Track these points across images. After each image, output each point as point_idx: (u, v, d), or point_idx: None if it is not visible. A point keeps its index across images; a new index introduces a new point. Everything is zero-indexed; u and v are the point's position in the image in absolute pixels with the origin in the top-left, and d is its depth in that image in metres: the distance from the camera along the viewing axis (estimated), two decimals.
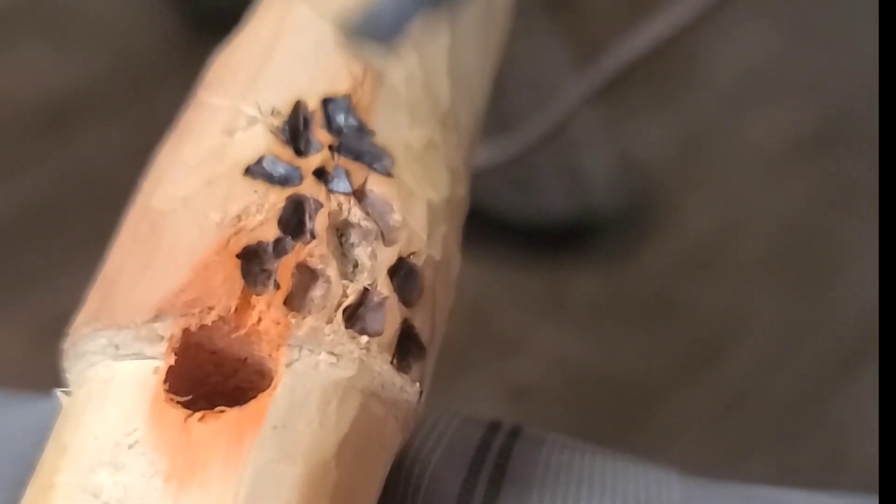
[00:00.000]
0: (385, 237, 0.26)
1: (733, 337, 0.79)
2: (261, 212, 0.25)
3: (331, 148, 0.27)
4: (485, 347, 0.77)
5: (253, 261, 0.25)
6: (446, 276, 0.27)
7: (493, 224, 0.80)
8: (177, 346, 0.24)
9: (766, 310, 0.81)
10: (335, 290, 0.25)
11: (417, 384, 0.25)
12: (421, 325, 0.26)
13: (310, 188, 0.26)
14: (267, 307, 0.24)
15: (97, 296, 0.26)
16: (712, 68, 0.94)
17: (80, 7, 0.91)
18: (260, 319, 0.24)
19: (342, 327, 0.24)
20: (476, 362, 0.75)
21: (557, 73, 0.86)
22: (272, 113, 0.27)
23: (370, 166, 0.27)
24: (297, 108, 0.28)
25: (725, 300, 0.81)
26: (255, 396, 0.23)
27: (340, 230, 0.26)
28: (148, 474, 0.22)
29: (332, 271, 0.25)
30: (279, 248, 0.25)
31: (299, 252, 0.25)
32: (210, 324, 0.24)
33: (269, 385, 0.24)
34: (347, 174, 0.26)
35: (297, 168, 0.26)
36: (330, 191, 0.26)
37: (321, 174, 0.26)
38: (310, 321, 0.24)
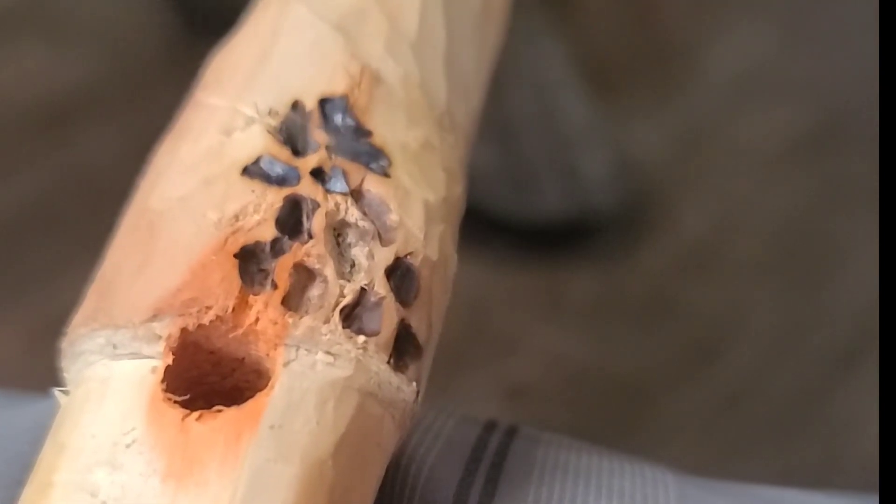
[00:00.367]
0: (382, 237, 0.26)
1: (730, 336, 0.79)
2: (258, 212, 0.25)
3: (328, 148, 0.27)
4: (482, 347, 0.77)
5: (250, 260, 0.25)
6: (443, 275, 0.27)
7: (490, 224, 0.80)
8: (174, 345, 0.24)
9: (764, 309, 0.81)
10: (332, 289, 0.25)
11: (414, 384, 0.25)
12: (418, 324, 0.26)
13: (307, 188, 0.26)
14: (264, 307, 0.24)
15: (95, 295, 0.26)
16: (710, 68, 0.94)
17: (78, 7, 0.91)
18: (257, 319, 0.24)
19: (339, 327, 0.24)
20: (473, 362, 0.75)
21: (557, 73, 0.86)
22: (269, 113, 0.27)
23: (367, 166, 0.27)
24: (295, 108, 0.28)
25: (723, 299, 0.81)
26: (252, 396, 0.24)
27: (338, 230, 0.26)
28: (145, 473, 0.22)
29: (329, 271, 0.25)
30: (277, 248, 0.25)
31: (297, 252, 0.25)
32: (208, 323, 0.24)
33: (266, 385, 0.24)
34: (344, 174, 0.27)
35: (295, 168, 0.26)
36: (327, 191, 0.26)
37: (318, 174, 0.26)
38: (307, 321, 0.24)
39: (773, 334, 0.80)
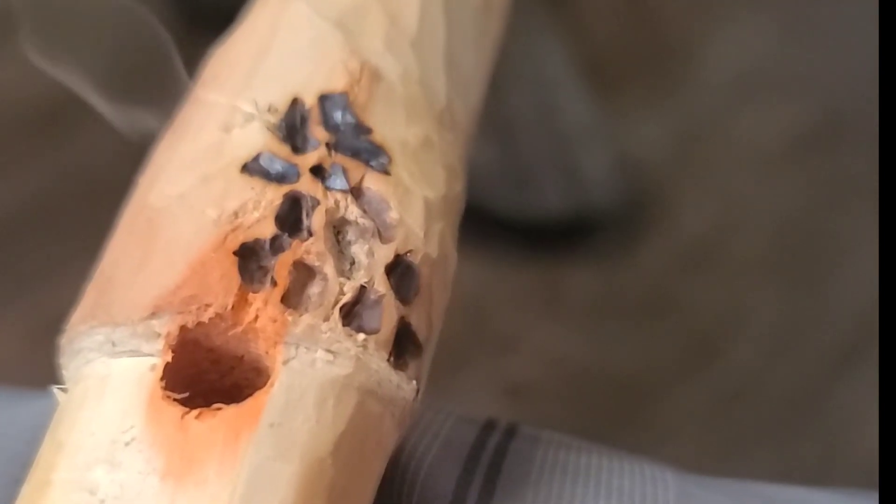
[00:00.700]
0: (382, 235, 0.26)
1: (731, 334, 0.79)
2: (258, 209, 0.25)
3: (328, 145, 0.27)
4: (482, 345, 0.77)
5: (250, 258, 0.25)
6: (443, 273, 0.27)
7: (490, 222, 0.80)
8: (174, 343, 0.24)
9: (764, 307, 0.81)
10: (332, 287, 0.25)
11: (414, 382, 0.25)
12: (417, 322, 0.26)
13: (307, 185, 0.26)
14: (264, 304, 0.24)
15: (94, 292, 0.26)
16: (710, 66, 0.94)
17: (77, 6, 0.91)
18: (257, 317, 0.24)
19: (339, 325, 0.24)
20: (473, 360, 0.75)
21: (557, 70, 0.86)
22: (269, 110, 0.27)
23: (367, 163, 0.27)
24: (294, 105, 0.28)
25: (722, 297, 0.81)
26: (251, 394, 0.23)
27: (337, 227, 0.26)
28: (144, 471, 0.22)
29: (329, 269, 0.25)
30: (276, 246, 0.25)
31: (296, 249, 0.25)
32: (207, 321, 0.24)
33: (265, 382, 0.24)
34: (344, 171, 0.26)
35: (295, 165, 0.26)
36: (327, 188, 0.26)
37: (318, 171, 0.26)
38: (307, 319, 0.24)
39: (774, 332, 0.80)
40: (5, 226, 0.79)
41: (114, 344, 0.24)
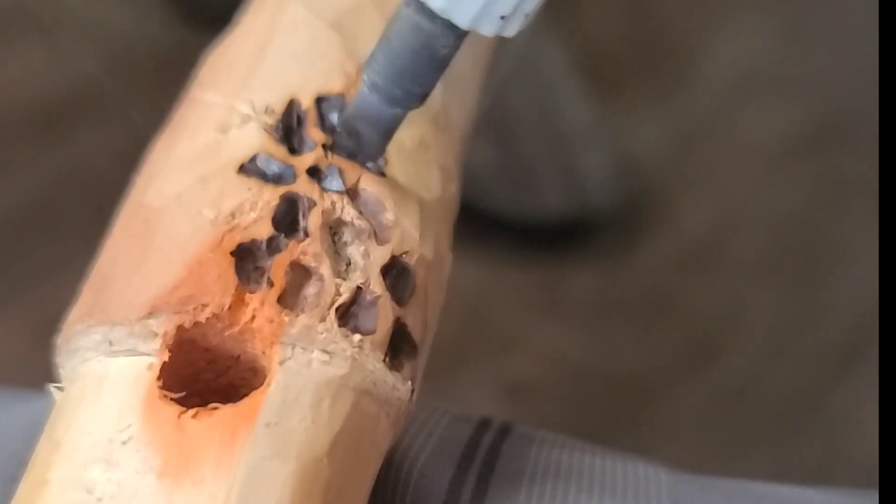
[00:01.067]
0: (378, 236, 0.26)
1: (730, 334, 0.79)
2: (255, 209, 0.25)
3: (324, 146, 0.27)
4: (481, 345, 0.77)
5: (247, 258, 0.25)
6: (438, 274, 0.27)
7: (490, 222, 0.80)
8: (170, 342, 0.24)
9: (763, 307, 0.81)
10: (328, 288, 0.25)
11: (409, 382, 0.25)
12: (413, 323, 0.26)
13: (303, 186, 0.26)
14: (260, 305, 0.24)
15: (91, 292, 0.26)
16: (709, 66, 0.94)
17: (76, 6, 0.91)
18: (253, 317, 0.24)
19: (335, 325, 0.25)
20: (473, 360, 0.75)
21: (556, 71, 0.86)
22: (266, 111, 0.27)
23: (363, 165, 0.27)
24: (291, 106, 0.28)
25: (722, 298, 0.81)
26: (248, 394, 0.24)
27: (334, 229, 0.26)
28: (141, 471, 0.23)
29: (325, 270, 0.25)
30: (273, 246, 0.25)
31: (293, 250, 0.25)
32: (204, 321, 0.24)
33: (262, 382, 0.24)
34: (341, 173, 0.27)
35: (291, 166, 0.26)
36: (323, 189, 0.26)
37: (315, 172, 0.26)
38: (303, 319, 0.24)
39: (773, 332, 0.80)
40: (6, 226, 0.79)
41: (111, 343, 0.24)
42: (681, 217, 0.85)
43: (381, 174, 0.27)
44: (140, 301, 0.24)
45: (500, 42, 0.36)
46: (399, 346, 0.26)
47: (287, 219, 0.26)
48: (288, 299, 0.25)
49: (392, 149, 0.28)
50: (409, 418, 0.26)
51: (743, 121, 0.91)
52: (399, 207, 0.27)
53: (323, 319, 0.25)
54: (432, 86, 0.26)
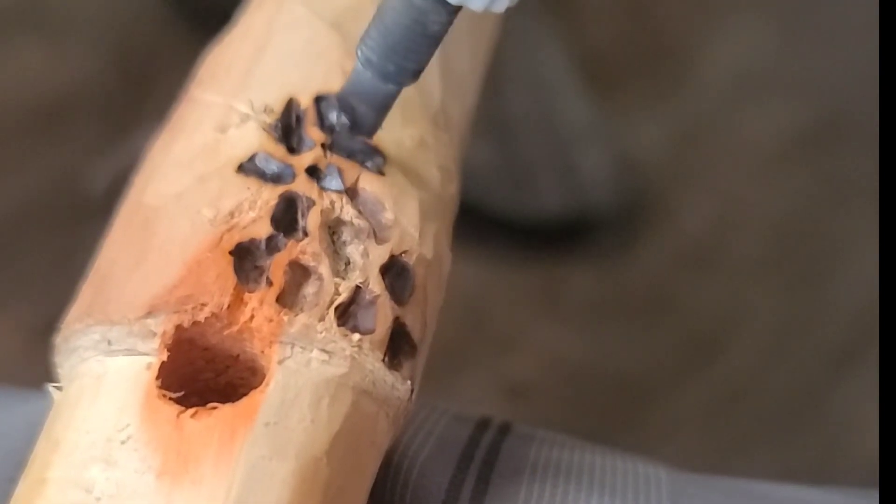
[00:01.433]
0: (377, 235, 0.26)
1: (730, 334, 0.79)
2: (254, 209, 0.25)
3: (323, 146, 0.27)
4: (481, 345, 0.77)
5: (246, 258, 0.25)
6: (437, 274, 0.27)
7: (489, 222, 0.80)
8: (169, 342, 0.24)
9: (763, 307, 0.81)
10: (327, 287, 0.25)
11: (408, 382, 0.25)
12: (412, 323, 0.26)
13: (302, 186, 0.26)
14: (259, 304, 0.24)
15: (90, 291, 0.26)
16: (708, 65, 0.94)
17: (74, 5, 0.91)
18: (252, 316, 0.24)
19: (334, 325, 0.25)
20: (473, 360, 0.75)
21: (555, 71, 0.86)
22: (265, 110, 0.27)
23: (362, 164, 0.27)
24: (290, 105, 0.28)
25: (722, 297, 0.81)
26: (247, 393, 0.24)
27: (333, 228, 0.26)
28: (140, 470, 0.23)
29: (324, 269, 0.25)
30: (272, 246, 0.25)
31: (292, 249, 0.25)
32: (203, 320, 0.24)
33: (261, 382, 0.24)
34: (340, 172, 0.27)
35: (290, 166, 0.26)
36: (322, 188, 0.26)
37: (314, 172, 0.26)
38: (302, 318, 0.24)
39: (773, 332, 0.80)
40: (6, 226, 0.79)
41: (109, 342, 0.24)
42: (681, 217, 0.85)
43: (381, 173, 0.27)
44: (139, 300, 0.24)
45: (500, 42, 0.36)
46: (398, 346, 0.26)
47: (286, 218, 0.26)
48: (287, 299, 0.25)
49: (391, 148, 0.28)
50: (408, 418, 0.26)
51: (742, 120, 0.91)
52: (398, 207, 0.27)
53: (322, 319, 0.25)
54: (425, 62, 0.26)
